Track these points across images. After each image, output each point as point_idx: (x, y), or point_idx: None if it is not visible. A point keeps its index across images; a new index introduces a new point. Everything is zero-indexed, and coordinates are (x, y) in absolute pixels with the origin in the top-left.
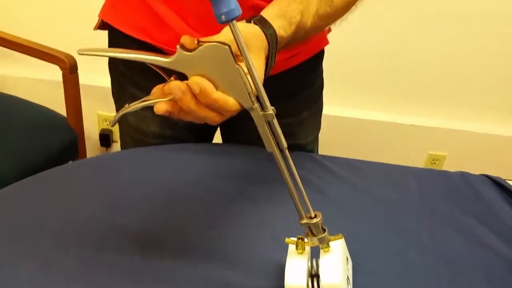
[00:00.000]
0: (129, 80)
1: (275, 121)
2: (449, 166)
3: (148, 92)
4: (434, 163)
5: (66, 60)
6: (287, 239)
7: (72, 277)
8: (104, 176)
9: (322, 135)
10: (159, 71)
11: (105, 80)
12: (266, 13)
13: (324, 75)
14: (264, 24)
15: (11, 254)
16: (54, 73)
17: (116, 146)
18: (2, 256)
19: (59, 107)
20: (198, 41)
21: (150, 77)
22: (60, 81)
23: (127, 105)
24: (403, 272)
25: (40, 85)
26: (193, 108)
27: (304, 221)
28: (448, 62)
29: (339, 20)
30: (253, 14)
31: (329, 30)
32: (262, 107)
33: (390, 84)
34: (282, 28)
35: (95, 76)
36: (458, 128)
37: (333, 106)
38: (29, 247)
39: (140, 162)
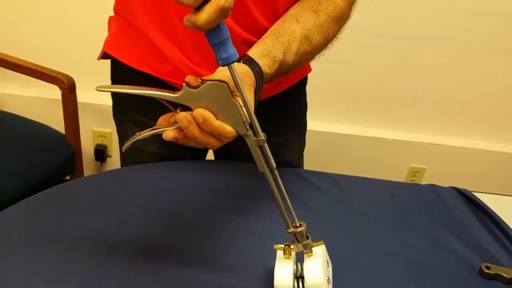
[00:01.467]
0: (130, 105)
1: (266, 145)
2: (429, 178)
3: (146, 115)
4: (415, 175)
5: (65, 80)
6: (275, 246)
7: (84, 283)
8: (109, 191)
9: (308, 150)
10: (167, 104)
11: (99, 98)
12: (253, 52)
13: (309, 92)
14: (251, 63)
15: (26, 263)
16: (53, 91)
17: (110, 161)
18: (18, 265)
19: (57, 123)
20: (201, 80)
21: (149, 102)
22: (57, 99)
23: (138, 133)
24: (375, 275)
25: (38, 103)
26: (197, 135)
27: (291, 230)
28: (428, 81)
29: (317, 56)
30: (243, 48)
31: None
32: (255, 134)
33: (373, 102)
34: (267, 66)
35: (90, 94)
36: (437, 142)
37: (319, 122)
38: (42, 257)
39: (141, 178)
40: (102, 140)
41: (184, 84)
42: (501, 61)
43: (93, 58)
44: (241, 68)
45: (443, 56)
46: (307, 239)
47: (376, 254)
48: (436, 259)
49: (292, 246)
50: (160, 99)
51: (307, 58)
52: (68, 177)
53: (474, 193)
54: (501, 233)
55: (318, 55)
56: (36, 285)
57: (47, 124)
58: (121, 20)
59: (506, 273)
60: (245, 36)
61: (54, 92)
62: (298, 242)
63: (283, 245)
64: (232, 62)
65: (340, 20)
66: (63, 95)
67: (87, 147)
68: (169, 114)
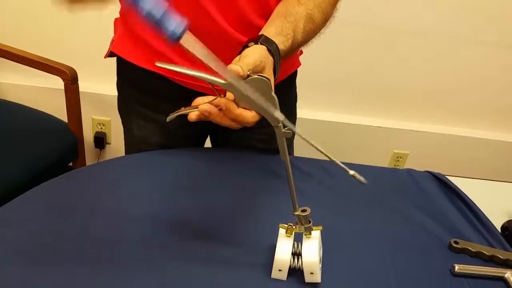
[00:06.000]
0: (137, 100)
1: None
2: (411, 162)
3: (149, 108)
4: (398, 160)
5: (68, 72)
6: (280, 224)
7: (97, 262)
8: (118, 175)
9: (297, 137)
10: (213, 88)
11: (99, 88)
12: (267, 32)
13: (297, 82)
14: (268, 42)
15: (48, 238)
16: (55, 81)
17: (109, 148)
18: (40, 242)
19: (59, 112)
20: (248, 75)
21: (150, 97)
22: (59, 89)
23: (183, 108)
24: (357, 250)
25: (41, 93)
26: (220, 120)
27: (297, 213)
28: (411, 71)
29: (319, 34)
30: (239, 49)
31: (301, 53)
32: (284, 126)
33: (358, 90)
34: (281, 43)
35: (91, 84)
36: (419, 129)
37: (306, 110)
38: (60, 236)
39: (147, 164)
40: (101, 128)
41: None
42: (480, 54)
43: (95, 50)
44: (262, 52)
45: (426, 48)
46: (309, 223)
47: (357, 232)
48: (411, 235)
49: (295, 227)
50: (210, 83)
51: (311, 36)
52: (71, 164)
53: (448, 177)
54: (470, 212)
55: (319, 33)
56: (57, 259)
57: (50, 113)
58: (125, 23)
59: (473, 247)
60: (241, 39)
61: (57, 82)
62: (301, 224)
63: (286, 225)
64: (180, 36)
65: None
66: (65, 86)
67: (87, 134)
68: (208, 97)
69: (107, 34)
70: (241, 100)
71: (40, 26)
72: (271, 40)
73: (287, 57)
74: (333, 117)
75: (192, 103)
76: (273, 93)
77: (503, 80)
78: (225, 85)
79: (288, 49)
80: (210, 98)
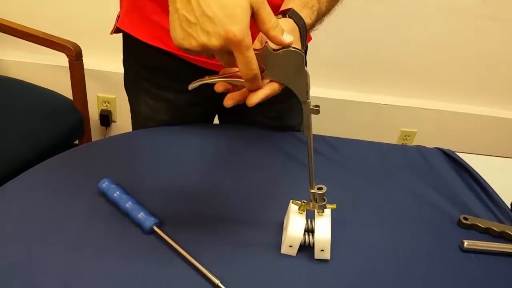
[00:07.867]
0: (144, 78)
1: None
2: (419, 141)
3: (157, 86)
4: (406, 138)
5: (72, 48)
6: (293, 201)
7: (104, 237)
8: (125, 151)
9: None
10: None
11: (104, 65)
12: (293, 5)
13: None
14: (296, 16)
15: (51, 216)
16: (60, 58)
17: (115, 126)
18: (46, 217)
19: (64, 89)
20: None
21: (159, 75)
22: (64, 66)
23: (207, 77)
24: (364, 226)
25: (46, 69)
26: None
27: (313, 190)
28: (419, 48)
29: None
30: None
31: None
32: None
33: (366, 68)
34: (308, 17)
35: (95, 62)
36: (427, 107)
37: (316, 88)
38: (66, 211)
39: (154, 140)
40: (106, 106)
41: (266, 44)
42: (491, 29)
43: (99, 26)
44: (290, 25)
45: (435, 23)
46: (324, 201)
47: (365, 208)
48: (419, 211)
49: (308, 204)
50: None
51: (335, 3)
52: (76, 141)
53: (457, 153)
54: (479, 188)
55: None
56: (62, 235)
57: (55, 90)
58: None
59: (482, 224)
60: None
61: (62, 59)
62: (316, 202)
63: (300, 202)
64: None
65: None
66: (70, 62)
67: (93, 112)
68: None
69: (113, 9)
70: (272, 72)
71: (43, 1)
72: (299, 15)
73: (310, 30)
74: (341, 94)
75: (220, 72)
76: (306, 68)
77: None
78: (258, 55)
79: (314, 22)
80: (236, 68)
